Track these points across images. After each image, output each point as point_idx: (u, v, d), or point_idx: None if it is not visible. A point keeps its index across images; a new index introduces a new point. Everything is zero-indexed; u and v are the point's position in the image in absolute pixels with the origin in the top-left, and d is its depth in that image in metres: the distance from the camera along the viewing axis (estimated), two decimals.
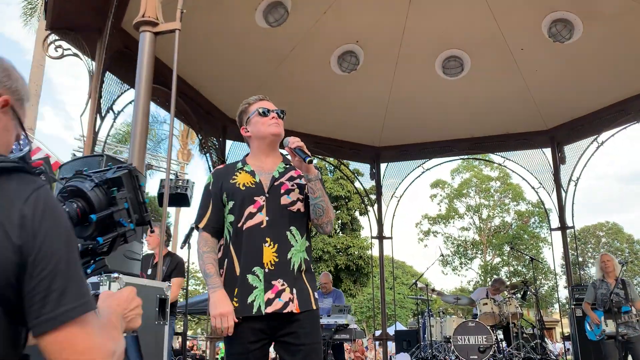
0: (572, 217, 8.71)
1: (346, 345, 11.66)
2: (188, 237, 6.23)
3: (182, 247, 5.70)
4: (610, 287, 5.81)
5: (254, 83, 7.85)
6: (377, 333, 9.90)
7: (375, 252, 9.97)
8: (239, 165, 2.40)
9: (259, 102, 2.47)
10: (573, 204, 8.68)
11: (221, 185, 2.34)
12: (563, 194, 8.73)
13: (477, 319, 7.08)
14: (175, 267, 4.99)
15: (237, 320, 2.16)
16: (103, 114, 5.70)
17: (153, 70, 3.46)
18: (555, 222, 8.93)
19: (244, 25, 6.71)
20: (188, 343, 23.02)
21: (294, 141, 2.24)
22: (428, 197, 37.29)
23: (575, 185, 8.64)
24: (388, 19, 7.07)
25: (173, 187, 8.92)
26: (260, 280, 2.19)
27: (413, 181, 9.95)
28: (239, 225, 2.26)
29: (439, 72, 7.73)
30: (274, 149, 2.44)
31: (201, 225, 2.35)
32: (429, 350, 7.19)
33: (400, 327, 21.00)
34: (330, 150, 9.74)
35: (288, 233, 2.27)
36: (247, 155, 2.48)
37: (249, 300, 2.17)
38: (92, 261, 1.25)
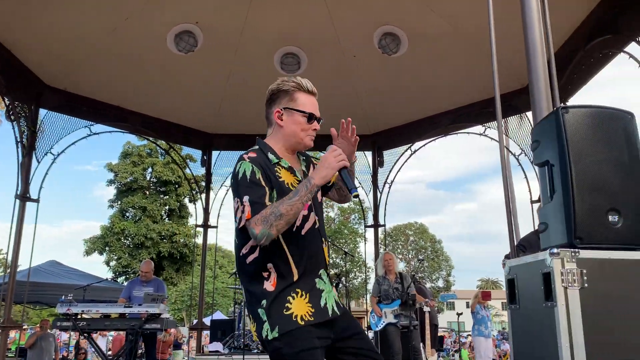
0: (385, 216, 9.51)
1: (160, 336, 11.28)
2: None
3: None
4: (391, 283, 6.58)
5: (79, 49, 7.19)
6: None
7: (200, 241, 9.80)
8: (273, 158, 2.09)
9: (308, 95, 2.18)
10: (386, 204, 9.47)
11: (270, 179, 2.02)
12: (379, 195, 9.47)
13: None
14: None
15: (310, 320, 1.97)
16: None
17: None
18: (370, 219, 9.65)
19: None
20: None
21: (342, 160, 2.01)
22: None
23: (390, 187, 9.44)
24: (231, 5, 6.96)
25: None
26: (325, 282, 2.08)
27: None
28: (296, 230, 2.02)
29: (276, 66, 7.83)
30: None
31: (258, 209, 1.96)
32: (242, 340, 7.28)
33: (221, 315, 20.99)
34: (161, 133, 9.33)
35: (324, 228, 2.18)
36: (268, 140, 2.17)
37: (322, 304, 2.02)
38: None
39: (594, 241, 1.90)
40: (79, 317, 5.60)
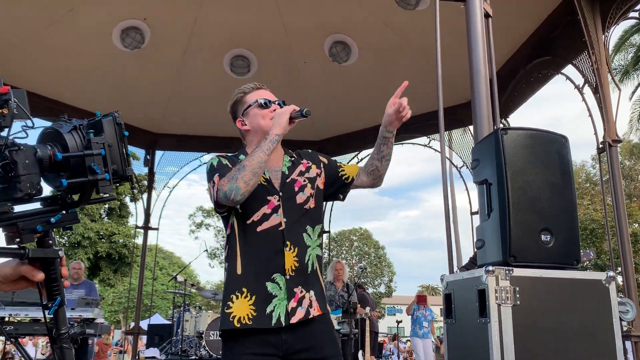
0: (330, 222, 9.57)
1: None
2: None
3: None
4: (338, 290, 6.72)
5: (14, 40, 6.86)
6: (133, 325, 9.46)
7: (140, 241, 9.53)
8: (243, 158, 2.11)
9: (256, 91, 2.26)
10: (332, 210, 9.55)
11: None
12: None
13: None
14: None
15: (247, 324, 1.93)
16: None
17: None
18: None
19: None
20: None
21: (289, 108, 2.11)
22: (206, 189, 37.25)
23: None
24: (181, 3, 6.83)
25: None
26: (280, 288, 1.97)
27: (189, 173, 9.81)
28: (251, 225, 2.00)
29: (226, 68, 7.73)
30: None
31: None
32: (180, 346, 7.12)
33: (160, 318, 20.49)
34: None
35: (304, 234, 2.07)
36: (245, 147, 2.23)
37: (268, 310, 1.94)
38: (62, 211, 1.17)
39: (527, 260, 1.98)
40: (6, 320, 5.31)
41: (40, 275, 1.15)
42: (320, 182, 2.23)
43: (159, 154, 9.59)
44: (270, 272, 1.99)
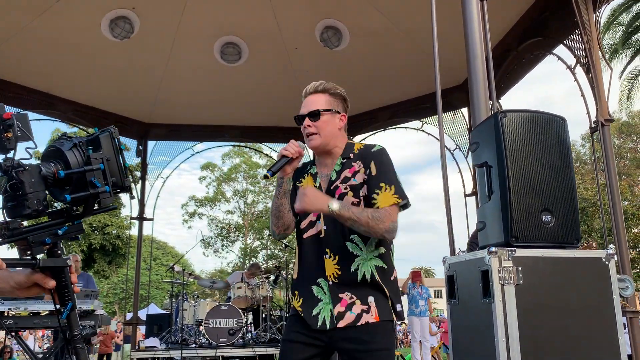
0: None
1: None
2: None
3: None
4: None
5: (1, 31, 6.77)
6: (130, 316, 9.48)
7: (135, 232, 9.52)
8: (309, 166, 2.26)
9: (303, 101, 2.30)
10: None
11: (294, 186, 2.22)
12: None
13: (230, 302, 7.28)
14: None
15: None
16: None
17: None
18: None
19: None
20: None
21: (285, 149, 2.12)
22: (197, 178, 37.11)
23: None
24: None
25: None
26: (325, 292, 2.03)
27: (182, 162, 9.79)
28: (301, 232, 2.12)
29: (217, 55, 7.68)
30: (330, 149, 2.18)
31: None
32: (180, 334, 7.16)
33: (155, 308, 20.52)
34: (94, 121, 8.93)
35: (349, 243, 2.03)
36: None
37: (314, 312, 2.04)
38: (69, 223, 1.24)
39: (528, 240, 2.01)
40: (5, 315, 5.31)
41: (51, 283, 1.24)
42: (364, 192, 2.09)
43: (151, 144, 9.55)
44: (315, 277, 2.07)
